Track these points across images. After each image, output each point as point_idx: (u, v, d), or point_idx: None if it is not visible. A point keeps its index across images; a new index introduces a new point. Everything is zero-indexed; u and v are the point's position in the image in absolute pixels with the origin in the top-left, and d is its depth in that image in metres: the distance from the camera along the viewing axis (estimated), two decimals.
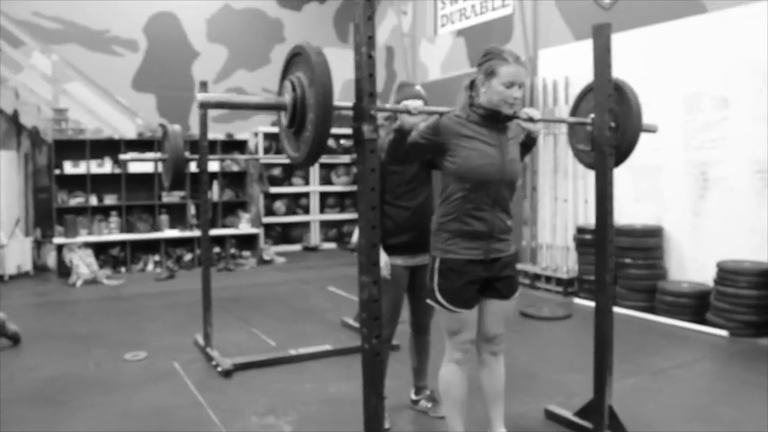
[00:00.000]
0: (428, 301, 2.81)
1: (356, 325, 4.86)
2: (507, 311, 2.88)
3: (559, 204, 6.89)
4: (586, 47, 6.50)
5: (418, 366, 3.57)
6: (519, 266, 7.18)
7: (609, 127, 2.95)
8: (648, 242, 5.82)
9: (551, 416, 3.41)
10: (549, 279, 6.79)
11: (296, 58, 1.97)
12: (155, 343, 4.89)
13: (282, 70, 2.02)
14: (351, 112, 2.10)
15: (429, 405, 3.56)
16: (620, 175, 6.19)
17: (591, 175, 6.45)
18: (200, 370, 4.26)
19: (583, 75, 6.56)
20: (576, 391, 3.79)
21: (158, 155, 4.38)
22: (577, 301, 6.24)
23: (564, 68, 6.82)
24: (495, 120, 2.67)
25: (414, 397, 3.62)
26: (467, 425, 2.95)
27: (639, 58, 6.01)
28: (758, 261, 5.06)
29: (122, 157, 4.33)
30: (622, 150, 3.07)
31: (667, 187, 5.93)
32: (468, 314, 2.73)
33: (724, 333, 4.95)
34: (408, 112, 2.30)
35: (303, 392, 3.78)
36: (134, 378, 4.12)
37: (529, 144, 2.89)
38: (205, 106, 1.97)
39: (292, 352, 4.44)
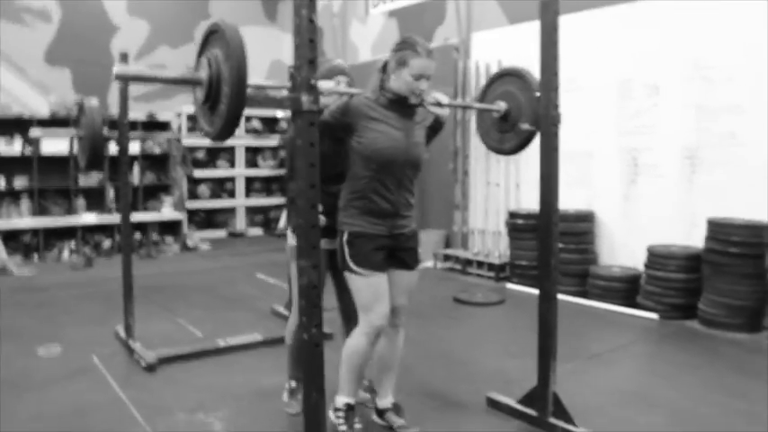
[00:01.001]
0: (344, 273, 2.86)
1: (286, 313, 4.66)
2: (411, 283, 3.01)
3: (491, 189, 6.86)
4: (521, 30, 6.56)
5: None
6: (450, 251, 7.14)
7: (555, 106, 2.86)
8: (580, 227, 5.85)
9: (493, 404, 3.33)
10: (480, 264, 6.75)
11: (212, 36, 1.95)
12: (71, 336, 4.55)
13: (199, 47, 1.99)
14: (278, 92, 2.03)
15: (368, 396, 3.41)
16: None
17: (523, 160, 6.51)
18: (122, 364, 3.98)
19: (516, 58, 6.53)
20: (514, 377, 3.73)
21: (73, 131, 4.02)
22: (510, 286, 6.22)
23: (497, 52, 6.75)
24: (402, 105, 2.80)
25: None
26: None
27: (575, 43, 5.98)
28: (687, 246, 5.14)
29: (33, 133, 3.95)
30: (523, 136, 3.17)
31: (599, 173, 5.96)
32: (381, 280, 2.82)
33: (654, 316, 5.01)
34: (321, 92, 2.26)
35: (233, 386, 3.57)
36: (47, 375, 3.80)
37: (436, 128, 3.01)
38: (121, 78, 1.91)
39: (221, 343, 4.20)
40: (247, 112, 9.51)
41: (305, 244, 2.06)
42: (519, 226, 6.24)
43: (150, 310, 5.19)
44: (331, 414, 2.93)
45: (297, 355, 3.25)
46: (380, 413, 3.10)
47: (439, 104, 2.86)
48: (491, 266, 6.60)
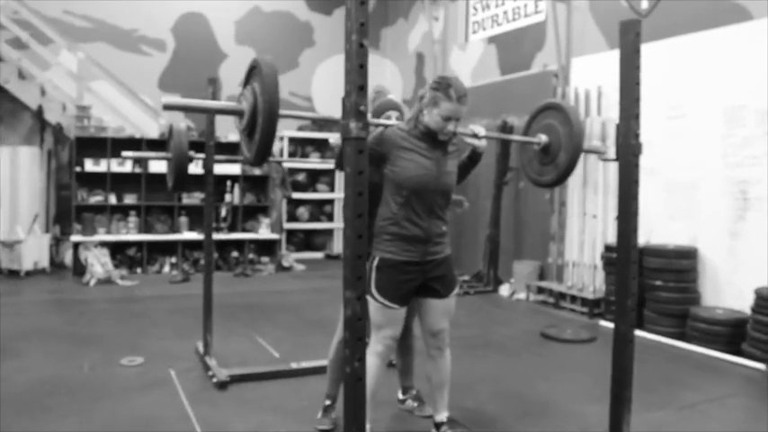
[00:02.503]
0: (367, 295, 2.87)
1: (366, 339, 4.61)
2: (448, 308, 3.08)
3: (588, 220, 6.56)
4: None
5: (403, 367, 3.63)
6: (544, 284, 6.87)
7: (635, 135, 2.67)
8: (681, 264, 5.46)
9: None
10: (574, 299, 6.45)
11: (253, 71, 2.09)
12: (155, 348, 4.70)
13: (244, 80, 2.14)
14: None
15: (415, 404, 3.61)
16: (653, 191, 5.91)
17: None
18: (196, 379, 4.05)
19: (616, 84, 6.28)
20: (593, 423, 3.50)
21: (160, 154, 4.20)
22: (603, 323, 5.89)
23: (597, 78, 6.50)
24: (434, 137, 2.90)
25: (400, 396, 3.68)
26: None
27: (678, 67, 5.68)
28: None
29: (124, 154, 4.16)
30: (561, 170, 3.13)
31: (703, 206, 5.57)
32: (399, 312, 2.95)
33: (761, 366, 4.56)
34: None
35: (299, 411, 3.53)
36: (125, 385, 3.93)
37: (474, 159, 3.08)
38: (169, 108, 2.05)
39: (293, 365, 4.20)
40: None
41: (350, 275, 2.00)
42: (615, 260, 5.91)
43: (233, 327, 5.29)
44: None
45: (334, 375, 3.37)
46: (437, 427, 3.21)
47: (476, 136, 2.95)
48: (584, 301, 6.29)
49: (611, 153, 3.22)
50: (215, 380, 3.93)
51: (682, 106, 5.69)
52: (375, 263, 2.92)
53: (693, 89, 5.59)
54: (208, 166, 4.26)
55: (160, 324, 5.50)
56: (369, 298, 2.91)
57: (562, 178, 3.21)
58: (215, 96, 4.24)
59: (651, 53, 5.79)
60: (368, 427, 3.00)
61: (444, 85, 2.84)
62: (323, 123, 9.57)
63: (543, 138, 3.18)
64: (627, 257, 2.75)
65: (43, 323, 5.47)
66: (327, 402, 3.42)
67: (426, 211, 2.91)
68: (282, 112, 2.05)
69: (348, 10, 1.96)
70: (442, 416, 3.21)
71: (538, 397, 3.94)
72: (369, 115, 2.41)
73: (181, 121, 8.70)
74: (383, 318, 2.94)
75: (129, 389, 3.86)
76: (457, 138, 3.00)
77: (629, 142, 2.68)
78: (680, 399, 4.00)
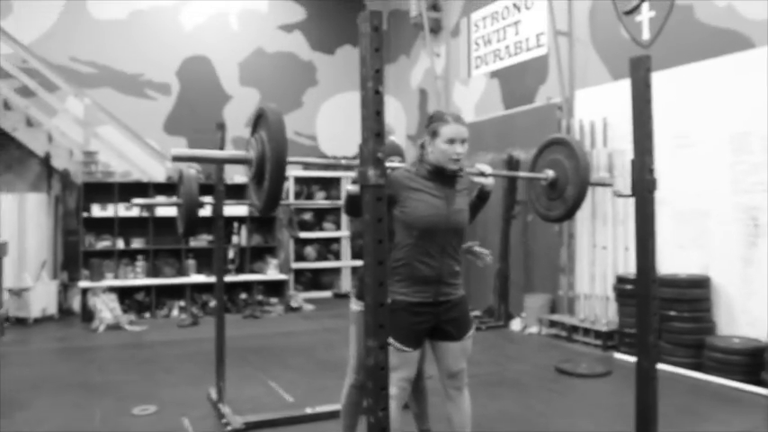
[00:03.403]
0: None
1: None
2: (464, 350, 3.03)
3: (598, 252, 6.53)
4: (625, 86, 6.29)
5: (419, 411, 3.58)
6: (556, 317, 6.81)
7: (650, 170, 2.66)
8: (694, 293, 5.41)
9: None
10: (587, 332, 6.39)
11: (260, 119, 2.08)
12: (167, 396, 4.65)
13: (251, 129, 2.13)
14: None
15: None
16: (662, 221, 5.87)
17: (632, 222, 6.14)
18: (210, 428, 4.00)
19: (622, 115, 6.28)
20: None
21: (171, 200, 4.20)
22: (618, 356, 5.82)
23: (602, 109, 6.53)
24: (441, 175, 2.89)
25: None
26: None
27: (681, 97, 5.70)
28: None
29: (136, 201, 4.16)
30: (570, 205, 3.12)
31: (714, 234, 5.53)
32: (413, 354, 2.90)
33: None
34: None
35: None
36: None
37: (482, 197, 3.08)
38: (177, 160, 2.06)
39: (308, 410, 4.14)
40: (353, 174, 9.75)
41: (373, 323, 1.97)
42: (628, 291, 5.87)
43: (245, 372, 5.23)
44: None
45: (347, 420, 3.35)
46: None
47: (482, 174, 2.95)
48: (598, 334, 6.22)
49: (619, 184, 3.26)
50: (229, 428, 3.87)
51: (688, 135, 5.69)
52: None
53: (699, 117, 5.60)
54: (218, 210, 4.26)
55: (171, 370, 5.44)
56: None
57: (571, 212, 3.20)
58: (223, 141, 4.26)
59: (655, 83, 5.81)
60: None
61: (437, 116, 2.91)
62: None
63: (550, 173, 3.19)
64: (647, 293, 2.72)
65: (52, 372, 5.42)
66: None
67: (438, 251, 2.89)
68: (290, 159, 2.04)
69: (363, 57, 1.97)
70: None
71: None
72: None
73: (189, 167, 8.80)
74: (397, 361, 2.84)
75: None
76: (465, 177, 3.01)
77: (644, 177, 2.67)
78: (704, 430, 3.93)
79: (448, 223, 2.89)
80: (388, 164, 3.19)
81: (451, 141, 2.82)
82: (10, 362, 5.72)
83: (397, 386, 2.90)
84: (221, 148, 4.23)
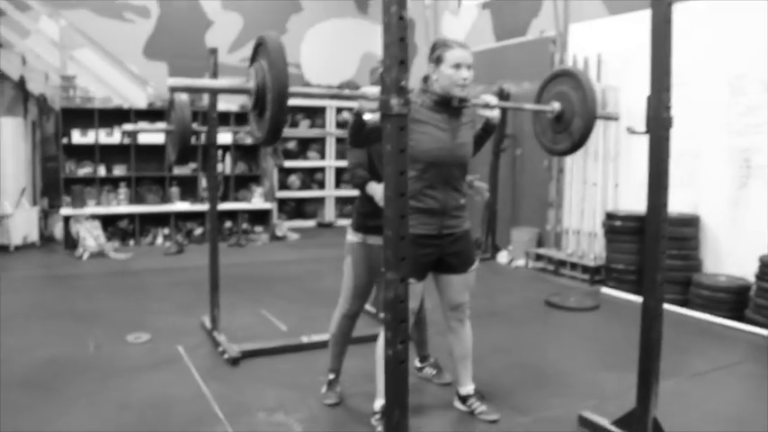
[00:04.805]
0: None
1: (372, 311, 4.57)
2: (467, 282, 3.08)
3: (588, 188, 6.54)
4: (621, 22, 6.19)
5: (419, 338, 3.70)
6: (543, 251, 6.87)
7: (666, 108, 2.61)
8: (683, 232, 5.47)
9: (586, 423, 3.12)
10: (574, 266, 6.46)
11: (259, 47, 2.01)
12: (159, 324, 4.63)
13: (250, 58, 2.06)
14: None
15: (434, 372, 3.68)
16: None
17: (623, 159, 6.16)
18: (206, 356, 4.00)
19: (617, 51, 6.21)
20: (610, 393, 3.52)
21: (162, 126, 4.07)
22: (605, 290, 5.91)
23: (596, 45, 6.42)
24: (447, 105, 2.84)
25: (418, 365, 3.73)
26: None
27: (680, 36, 5.56)
28: None
29: (126, 127, 4.05)
30: (576, 138, 3.11)
31: (705, 174, 5.55)
32: (417, 286, 2.90)
33: (765, 332, 4.61)
34: (365, 97, 2.27)
35: (315, 386, 3.48)
36: (135, 363, 3.87)
37: (487, 130, 3.04)
38: (175, 90, 2.01)
39: (304, 339, 4.16)
40: (338, 104, 9.60)
41: (393, 256, 1.93)
42: (617, 228, 5.92)
43: (236, 300, 5.21)
44: (372, 420, 3.04)
45: (336, 348, 3.40)
46: (463, 399, 3.24)
47: (488, 106, 2.91)
48: (585, 269, 6.30)
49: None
50: (226, 356, 3.88)
51: (683, 75, 5.59)
52: None
53: (696, 58, 5.51)
54: (211, 138, 4.15)
55: (161, 298, 5.42)
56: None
57: (577, 146, 3.20)
58: (215, 68, 4.10)
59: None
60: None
61: (440, 42, 2.86)
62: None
63: (556, 105, 3.15)
64: (657, 231, 2.73)
65: (40, 299, 5.37)
66: (331, 376, 3.43)
67: (442, 184, 2.88)
68: (293, 89, 1.96)
69: None
70: (468, 388, 3.23)
71: (551, 367, 3.95)
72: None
73: (165, 88, 8.55)
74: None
75: (139, 367, 3.80)
76: (470, 109, 2.95)
77: (661, 115, 2.63)
78: (690, 366, 4.03)
79: (452, 157, 2.87)
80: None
81: (457, 66, 2.78)
82: None
83: None
84: (214, 75, 4.08)
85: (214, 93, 2.13)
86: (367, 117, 2.54)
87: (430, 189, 2.86)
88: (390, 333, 1.99)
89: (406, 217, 1.93)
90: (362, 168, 3.18)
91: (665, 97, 2.61)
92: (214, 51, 4.01)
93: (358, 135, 2.66)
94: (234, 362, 3.83)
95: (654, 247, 2.73)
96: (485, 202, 3.34)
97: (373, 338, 4.06)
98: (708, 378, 3.84)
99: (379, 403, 3.02)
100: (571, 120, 3.06)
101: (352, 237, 3.27)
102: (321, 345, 4.07)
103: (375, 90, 2.41)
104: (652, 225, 2.74)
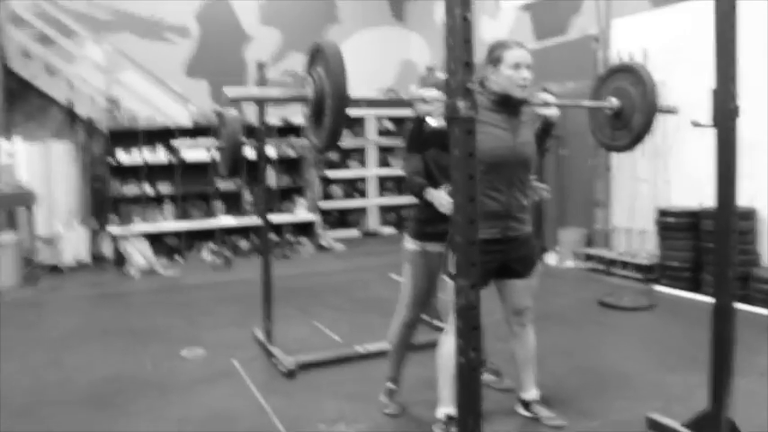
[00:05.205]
0: (443, 276, 2.91)
1: (426, 318, 4.52)
2: (530, 287, 3.03)
3: (638, 185, 6.40)
4: (667, 14, 6.07)
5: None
6: (592, 251, 6.75)
7: (733, 97, 2.53)
8: (740, 225, 5.30)
9: (655, 426, 3.01)
10: (625, 265, 6.32)
11: (316, 54, 2.02)
12: (212, 338, 4.66)
13: (306, 65, 2.05)
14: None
15: (493, 378, 3.61)
16: (706, 152, 5.71)
17: (673, 155, 6.01)
18: (262, 369, 4.01)
19: (663, 45, 6.08)
20: (675, 394, 3.42)
21: (214, 141, 4.10)
22: (659, 288, 5.77)
23: (641, 40, 6.29)
24: (507, 104, 2.80)
25: None
26: None
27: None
28: None
29: (175, 143, 4.07)
30: (637, 134, 3.01)
31: (761, 165, 5.38)
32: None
33: None
34: (423, 100, 2.27)
35: (375, 396, 3.45)
36: (192, 378, 3.89)
37: (547, 129, 2.98)
38: (235, 101, 2.07)
39: (360, 349, 4.14)
40: (378, 112, 9.61)
41: (463, 262, 1.90)
42: (670, 224, 5.78)
43: (286, 312, 5.20)
44: (435, 429, 2.97)
45: (396, 357, 3.35)
46: (526, 405, 3.18)
47: (546, 104, 2.85)
48: (638, 267, 6.16)
49: None
50: (282, 369, 3.87)
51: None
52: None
53: (747, 42, 5.36)
54: (260, 151, 4.17)
55: (212, 313, 5.46)
56: (446, 279, 2.86)
57: (637, 141, 3.09)
58: (263, 81, 4.13)
59: (702, 9, 5.57)
60: (454, 410, 2.93)
61: (498, 43, 2.82)
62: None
63: (615, 101, 3.07)
64: (727, 226, 2.63)
65: (95, 318, 5.46)
66: (391, 386, 3.38)
67: (506, 185, 2.82)
68: (352, 95, 1.95)
69: None
70: (533, 393, 3.17)
71: (612, 369, 3.86)
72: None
73: (207, 105, 8.66)
74: None
75: (197, 382, 3.83)
76: (529, 108, 2.91)
77: (727, 107, 2.54)
78: (758, 365, 3.89)
79: (515, 156, 2.81)
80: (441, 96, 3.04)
81: (517, 66, 2.73)
82: (51, 309, 5.76)
83: None
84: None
85: (273, 102, 2.15)
86: (431, 122, 2.51)
87: (493, 191, 2.79)
88: (462, 341, 1.95)
89: (476, 222, 1.89)
90: (420, 176, 3.15)
91: (732, 88, 2.52)
92: (262, 66, 4.03)
93: (417, 140, 2.64)
94: (290, 374, 3.82)
95: (724, 243, 2.63)
96: (543, 200, 3.27)
97: (430, 346, 4.05)
98: None
99: (442, 411, 2.97)
100: (631, 115, 2.98)
101: (410, 245, 3.22)
102: (377, 354, 4.06)
103: (433, 93, 2.39)
104: (721, 219, 2.65)
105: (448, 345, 2.87)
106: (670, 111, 3.05)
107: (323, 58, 1.97)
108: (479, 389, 1.97)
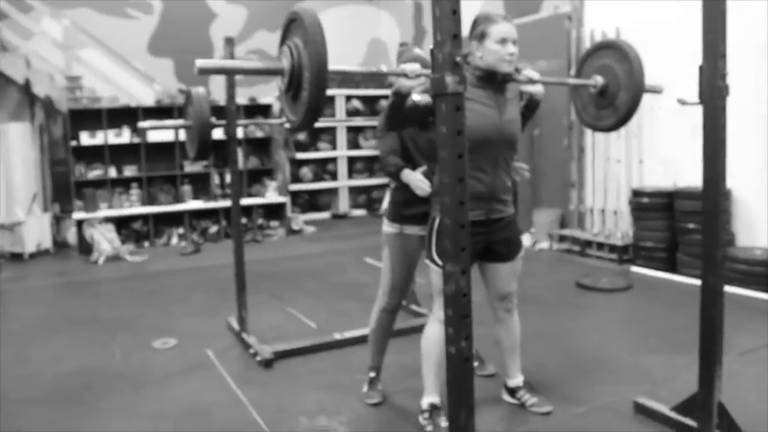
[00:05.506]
0: (425, 260, 2.81)
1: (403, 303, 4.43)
2: (514, 270, 2.94)
3: (611, 165, 6.37)
4: None
5: None
6: (567, 232, 6.72)
7: (722, 76, 2.46)
8: None
9: (642, 409, 2.97)
10: (600, 246, 6.30)
11: (292, 24, 1.85)
12: (185, 328, 4.51)
13: (281, 37, 1.89)
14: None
15: (476, 364, 3.47)
16: (679, 132, 5.71)
17: (646, 135, 5.98)
18: (237, 359, 3.87)
19: (636, 25, 6.01)
20: (659, 377, 3.38)
21: (180, 122, 3.92)
22: (635, 269, 5.76)
23: (614, 19, 6.23)
24: (492, 80, 2.69)
25: None
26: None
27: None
28: None
29: (141, 124, 3.88)
30: (623, 113, 2.91)
31: (735, 145, 5.29)
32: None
33: None
34: (405, 75, 2.10)
35: (355, 385, 3.35)
36: (165, 370, 3.74)
37: (531, 107, 2.93)
38: (204, 72, 1.79)
39: (337, 336, 4.02)
40: (348, 92, 9.43)
41: (453, 246, 1.79)
42: (644, 205, 5.76)
43: (260, 299, 5.07)
44: (420, 419, 2.87)
45: (377, 345, 3.25)
46: (511, 392, 3.12)
47: (531, 81, 2.72)
48: (612, 248, 6.14)
49: None
50: (259, 358, 3.74)
51: None
52: (435, 225, 2.69)
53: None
54: (230, 131, 4.00)
55: (182, 301, 5.29)
56: (429, 263, 2.76)
57: (623, 120, 2.98)
58: (232, 57, 3.96)
59: None
60: (439, 399, 2.85)
61: (483, 17, 2.68)
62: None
63: (599, 79, 2.97)
64: (715, 207, 2.58)
65: (60, 308, 5.25)
66: (372, 374, 3.28)
67: (491, 165, 2.71)
68: (332, 67, 1.77)
69: None
70: (518, 380, 3.11)
71: (594, 352, 3.81)
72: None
73: (172, 85, 8.40)
74: None
75: (170, 374, 3.68)
76: (513, 84, 2.80)
77: (716, 84, 2.48)
78: (737, 344, 3.86)
79: (501, 134, 2.70)
80: (424, 70, 2.91)
81: (503, 41, 2.62)
82: (14, 299, 5.53)
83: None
84: None
85: (245, 74, 1.96)
86: (415, 98, 2.38)
87: (477, 171, 2.67)
88: (453, 330, 1.85)
89: (465, 204, 1.79)
90: (395, 155, 3.03)
91: (721, 64, 2.45)
92: (231, 41, 3.86)
93: (395, 117, 2.48)
94: (267, 364, 3.69)
95: (712, 223, 2.58)
96: (524, 180, 3.17)
97: (410, 331, 3.98)
98: (758, 355, 3.69)
99: (426, 401, 2.87)
100: (616, 94, 2.89)
101: (388, 227, 3.11)
102: (355, 341, 3.97)
103: (415, 67, 2.25)
104: (709, 200, 2.60)
105: (432, 332, 2.80)
106: (655, 90, 2.96)
107: (300, 27, 1.80)
108: (471, 381, 1.88)
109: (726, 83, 2.48)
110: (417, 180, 2.83)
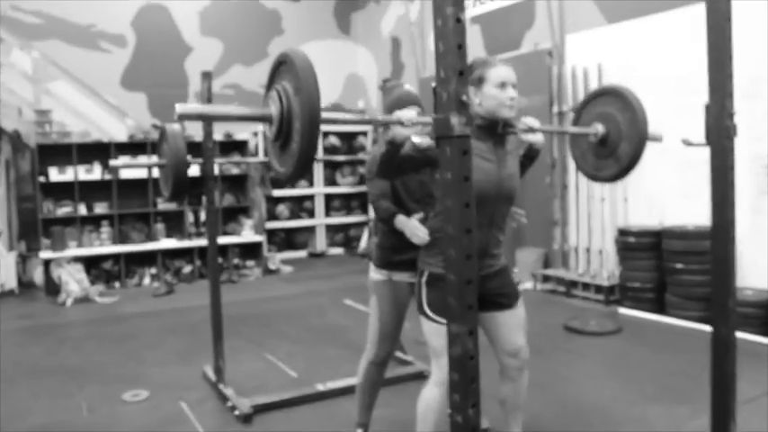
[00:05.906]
0: (418, 314, 2.61)
1: (400, 355, 4.22)
2: (518, 320, 2.73)
3: (595, 204, 6.28)
4: (622, 30, 5.99)
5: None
6: (551, 272, 6.58)
7: (729, 115, 2.34)
8: (703, 245, 5.20)
9: None
10: (586, 286, 6.18)
11: (281, 67, 1.71)
12: (157, 377, 4.24)
13: (268, 80, 1.76)
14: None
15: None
16: (665, 171, 5.65)
17: (630, 174, 5.90)
18: (214, 413, 3.62)
19: (618, 61, 5.99)
20: (662, 427, 3.20)
21: (154, 160, 3.73)
22: (623, 310, 5.63)
23: (596, 55, 6.21)
24: (492, 131, 2.52)
25: None
26: None
27: (687, 40, 5.41)
28: None
29: (113, 163, 3.70)
30: (625, 164, 2.76)
31: None
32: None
33: None
34: (401, 123, 1.95)
35: None
36: (136, 426, 3.48)
37: (531, 156, 2.78)
38: (184, 118, 1.63)
39: (320, 387, 3.79)
40: (325, 128, 9.29)
41: (458, 304, 1.62)
42: (631, 244, 5.66)
43: (237, 344, 4.82)
44: None
45: (365, 399, 3.06)
46: None
47: (531, 130, 2.57)
48: (599, 288, 6.01)
49: None
50: (237, 412, 3.50)
51: (692, 81, 5.41)
52: (424, 278, 2.54)
53: (705, 62, 5.31)
54: (208, 169, 3.81)
55: (155, 346, 5.02)
56: (422, 319, 2.56)
57: (626, 171, 2.81)
58: (209, 94, 3.79)
59: (664, 22, 5.52)
60: None
61: (479, 61, 2.53)
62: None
63: (600, 128, 2.82)
64: (725, 252, 2.43)
65: (23, 355, 4.94)
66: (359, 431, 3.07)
67: (487, 222, 2.52)
68: (326, 115, 1.63)
69: None
70: None
71: (591, 402, 3.64)
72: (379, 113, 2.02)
73: (145, 119, 8.19)
74: (443, 339, 2.54)
75: (141, 431, 3.41)
76: (514, 136, 2.63)
77: (723, 124, 2.35)
78: (739, 391, 3.72)
79: (500, 190, 2.51)
80: (427, 119, 2.76)
81: (502, 85, 2.46)
82: None
83: (446, 371, 2.58)
84: (208, 101, 3.77)
85: (229, 120, 1.77)
86: (416, 140, 2.21)
87: None
88: (459, 396, 1.67)
89: (473, 258, 1.62)
90: (386, 199, 2.86)
91: (729, 104, 2.34)
92: (208, 75, 3.69)
93: (389, 165, 2.32)
94: (246, 419, 3.45)
95: (723, 270, 2.43)
96: (521, 226, 2.99)
97: (396, 381, 3.77)
98: (761, 404, 3.55)
99: None
100: (618, 143, 2.74)
101: (375, 274, 2.93)
102: (339, 392, 3.75)
103: (411, 114, 2.08)
104: (719, 246, 2.45)
105: (431, 395, 2.57)
106: (656, 139, 2.83)
107: (291, 72, 1.65)
108: None
109: (733, 122, 2.36)
110: (414, 228, 2.65)
